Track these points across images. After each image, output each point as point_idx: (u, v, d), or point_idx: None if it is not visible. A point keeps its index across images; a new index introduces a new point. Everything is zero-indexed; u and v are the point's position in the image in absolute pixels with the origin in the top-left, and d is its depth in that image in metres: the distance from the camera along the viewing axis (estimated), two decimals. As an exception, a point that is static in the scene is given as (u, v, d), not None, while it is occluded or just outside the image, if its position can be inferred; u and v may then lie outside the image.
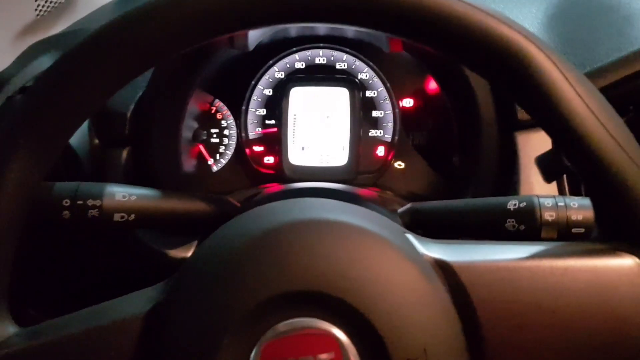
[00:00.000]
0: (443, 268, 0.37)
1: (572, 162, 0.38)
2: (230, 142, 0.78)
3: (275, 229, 0.36)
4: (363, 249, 0.36)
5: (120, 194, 0.51)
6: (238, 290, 0.34)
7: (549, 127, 0.37)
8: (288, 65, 0.77)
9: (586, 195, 0.54)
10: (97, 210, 0.49)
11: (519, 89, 0.37)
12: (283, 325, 0.34)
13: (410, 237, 0.39)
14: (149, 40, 0.36)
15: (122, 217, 0.50)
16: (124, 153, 0.66)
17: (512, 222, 0.50)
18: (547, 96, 0.36)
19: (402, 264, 0.36)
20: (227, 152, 0.78)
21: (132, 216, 0.51)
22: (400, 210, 0.57)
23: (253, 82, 0.77)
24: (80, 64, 0.37)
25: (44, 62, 0.68)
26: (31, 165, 0.37)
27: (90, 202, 0.49)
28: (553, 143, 0.62)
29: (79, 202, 0.49)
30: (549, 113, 0.36)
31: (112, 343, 0.35)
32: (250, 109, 0.78)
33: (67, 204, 0.49)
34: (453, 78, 0.67)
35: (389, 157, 0.77)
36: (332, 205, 0.39)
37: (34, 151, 0.36)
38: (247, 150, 0.78)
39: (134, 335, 0.35)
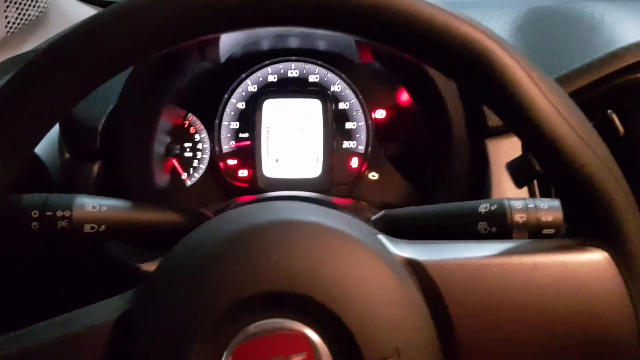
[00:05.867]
0: (414, 267, 0.37)
1: (539, 159, 0.38)
2: (203, 156, 0.78)
3: (244, 231, 0.36)
4: (334, 249, 0.35)
5: (91, 204, 0.50)
6: (207, 293, 0.34)
7: (514, 125, 0.38)
8: (261, 79, 0.77)
9: (556, 195, 0.55)
10: (66, 221, 0.48)
11: (485, 89, 0.37)
12: (254, 327, 0.33)
13: (382, 237, 0.39)
14: (115, 44, 0.36)
15: (92, 228, 0.49)
16: (95, 167, 0.65)
17: (484, 224, 0.51)
18: (511, 94, 0.36)
19: (374, 263, 0.36)
20: (200, 166, 0.78)
21: (103, 227, 0.50)
22: (373, 217, 0.58)
23: (226, 96, 0.77)
24: (45, 69, 0.36)
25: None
26: None
27: (59, 213, 0.48)
28: (522, 145, 0.62)
29: (48, 213, 0.48)
30: (514, 111, 0.37)
31: (80, 351, 0.35)
32: (224, 123, 0.78)
33: (36, 215, 0.48)
34: (423, 88, 0.68)
35: (363, 169, 0.78)
36: (302, 207, 0.39)
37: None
38: (221, 164, 0.78)
39: (103, 343, 0.35)
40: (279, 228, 0.36)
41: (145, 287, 0.37)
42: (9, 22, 0.74)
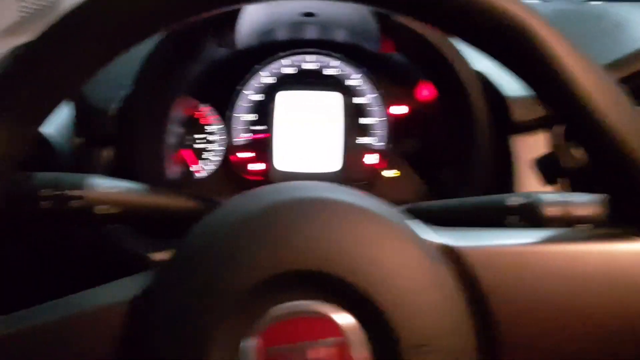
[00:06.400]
0: (449, 253, 0.35)
1: (584, 143, 0.36)
2: (216, 148, 0.76)
3: (274, 207, 0.34)
4: (368, 230, 0.33)
5: (103, 185, 0.48)
6: (231, 272, 0.32)
7: (560, 107, 0.36)
8: (276, 70, 0.76)
9: (589, 189, 0.52)
10: (77, 201, 0.46)
11: (530, 69, 0.35)
12: (280, 309, 0.31)
13: (413, 224, 0.37)
14: (126, 16, 0.33)
15: (105, 209, 0.47)
16: (106, 153, 0.63)
17: (514, 218, 0.48)
18: (558, 76, 0.34)
19: (409, 247, 0.34)
20: (212, 158, 0.76)
21: (115, 209, 0.48)
22: (395, 211, 0.55)
23: (239, 87, 0.75)
24: (55, 42, 0.34)
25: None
26: (3, 152, 0.34)
27: (70, 193, 0.46)
28: (551, 141, 0.61)
29: (59, 192, 0.46)
30: (560, 93, 0.35)
31: (93, 331, 0.33)
32: (237, 115, 0.76)
33: (47, 194, 0.46)
34: (447, 81, 0.66)
35: (380, 166, 0.76)
36: (335, 187, 0.37)
37: (6, 137, 0.34)
38: (234, 157, 0.76)
39: (120, 321, 0.33)
40: (310, 205, 0.34)
41: (165, 266, 0.35)
42: (24, 7, 0.73)
